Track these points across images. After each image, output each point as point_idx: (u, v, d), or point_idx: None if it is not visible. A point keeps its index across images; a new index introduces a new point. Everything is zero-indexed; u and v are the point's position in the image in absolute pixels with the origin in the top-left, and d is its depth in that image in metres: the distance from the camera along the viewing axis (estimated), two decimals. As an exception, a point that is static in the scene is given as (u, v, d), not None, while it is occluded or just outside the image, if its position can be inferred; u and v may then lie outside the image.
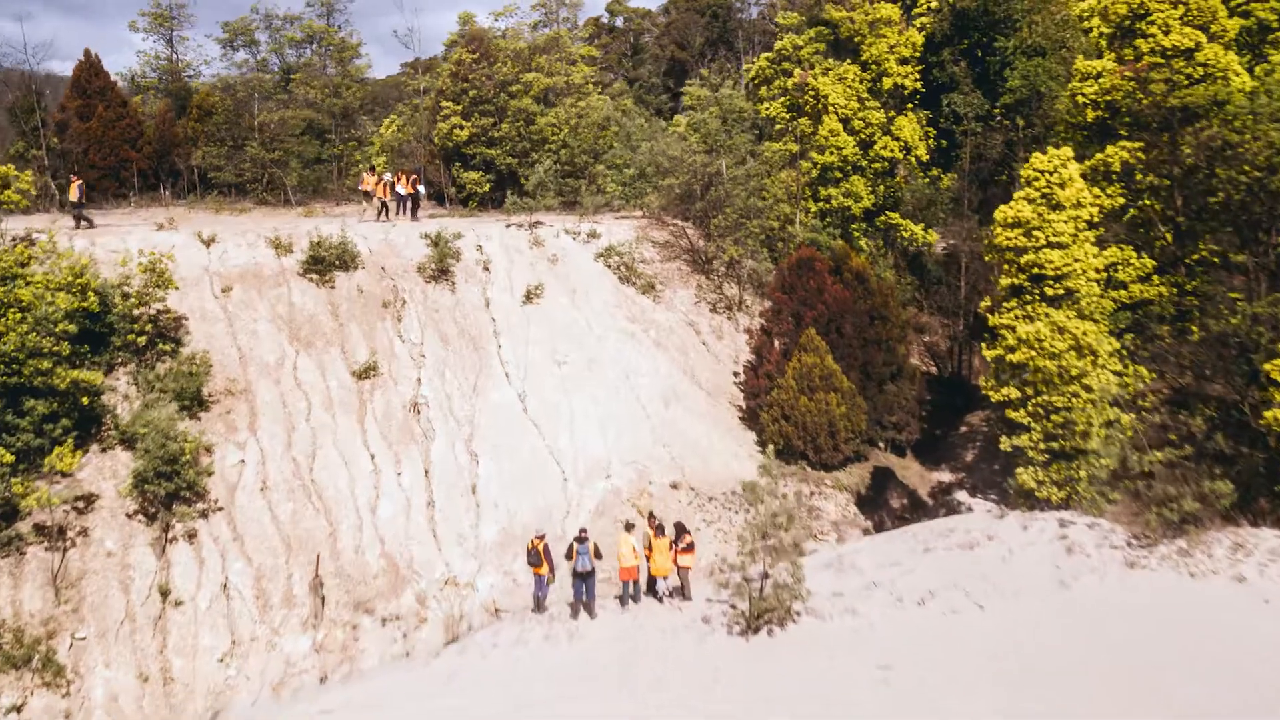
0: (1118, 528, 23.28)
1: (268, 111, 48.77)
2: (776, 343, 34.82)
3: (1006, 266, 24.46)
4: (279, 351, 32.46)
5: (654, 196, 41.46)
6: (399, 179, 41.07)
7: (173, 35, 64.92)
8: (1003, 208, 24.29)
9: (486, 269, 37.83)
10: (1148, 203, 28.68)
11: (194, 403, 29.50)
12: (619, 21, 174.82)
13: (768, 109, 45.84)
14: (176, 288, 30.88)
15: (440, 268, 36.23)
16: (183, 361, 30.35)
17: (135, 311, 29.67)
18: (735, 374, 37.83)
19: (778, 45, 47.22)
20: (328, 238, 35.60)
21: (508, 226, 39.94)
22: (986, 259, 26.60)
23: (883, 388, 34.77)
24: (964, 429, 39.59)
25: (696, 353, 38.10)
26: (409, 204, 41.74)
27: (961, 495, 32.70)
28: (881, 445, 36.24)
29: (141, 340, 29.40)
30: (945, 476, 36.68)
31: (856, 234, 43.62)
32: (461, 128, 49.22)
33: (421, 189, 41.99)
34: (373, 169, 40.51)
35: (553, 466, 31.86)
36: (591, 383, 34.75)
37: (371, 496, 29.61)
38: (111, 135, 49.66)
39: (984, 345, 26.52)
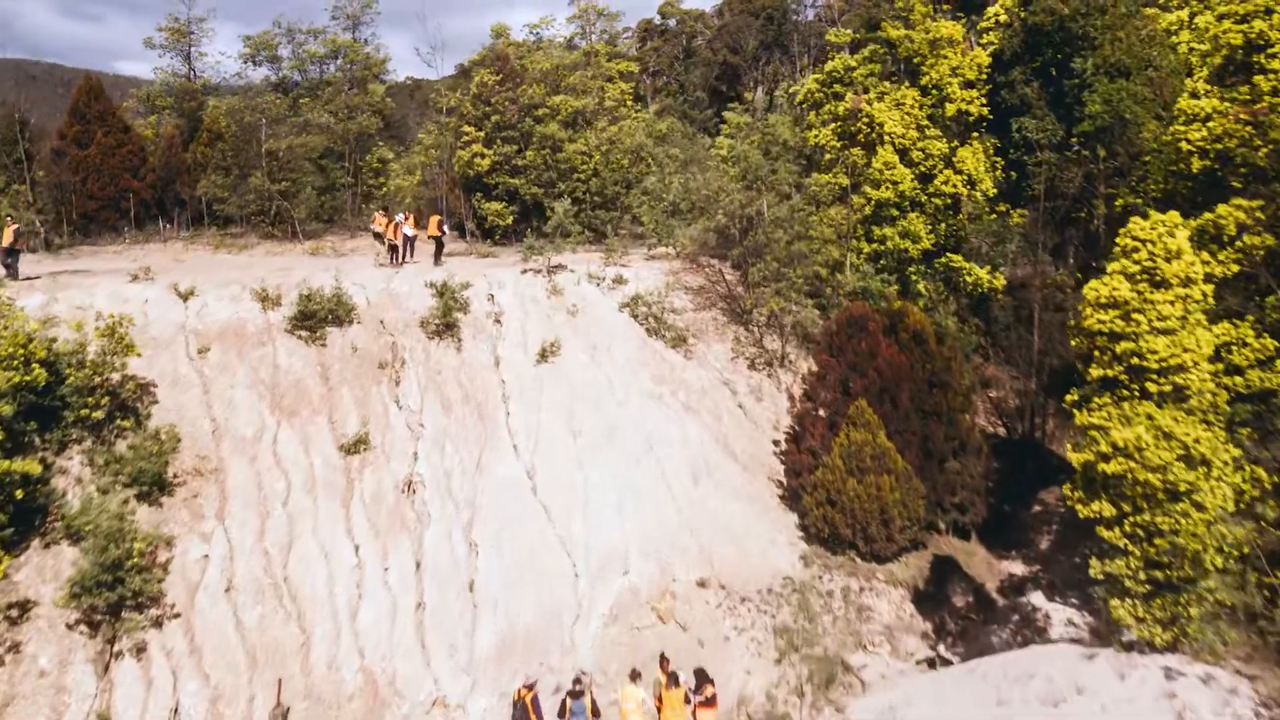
0: (1240, 684, 19.03)
1: (274, 139, 45.74)
2: (821, 411, 30.90)
3: (1098, 354, 20.37)
4: (258, 423, 29.24)
5: (688, 233, 37.69)
6: (407, 219, 37.77)
7: (190, 50, 62.44)
8: (1094, 284, 20.26)
9: (498, 321, 34.39)
10: (1269, 271, 24.37)
11: (154, 487, 26.41)
12: (671, 23, 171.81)
13: (816, 136, 41.90)
14: (139, 354, 27.80)
15: (445, 322, 32.87)
16: (147, 437, 27.23)
17: (93, 382, 26.46)
18: (776, 442, 33.96)
19: (828, 66, 43.27)
20: (319, 289, 32.45)
21: (523, 272, 36.51)
22: (1073, 344, 22.50)
23: (944, 466, 30.73)
24: (1037, 508, 35.30)
25: (732, 417, 34.29)
26: (417, 246, 38.42)
27: (1037, 598, 28.59)
28: (942, 527, 32.15)
29: (98, 415, 26.30)
30: (1017, 568, 32.50)
31: (914, 277, 39.55)
32: (483, 156, 45.88)
33: (446, 229, 38.64)
34: (385, 209, 37.23)
35: (562, 559, 28.25)
36: (610, 455, 31.12)
37: (352, 597, 26.23)
38: (111, 163, 47.10)
39: (1067, 406, 22.44)
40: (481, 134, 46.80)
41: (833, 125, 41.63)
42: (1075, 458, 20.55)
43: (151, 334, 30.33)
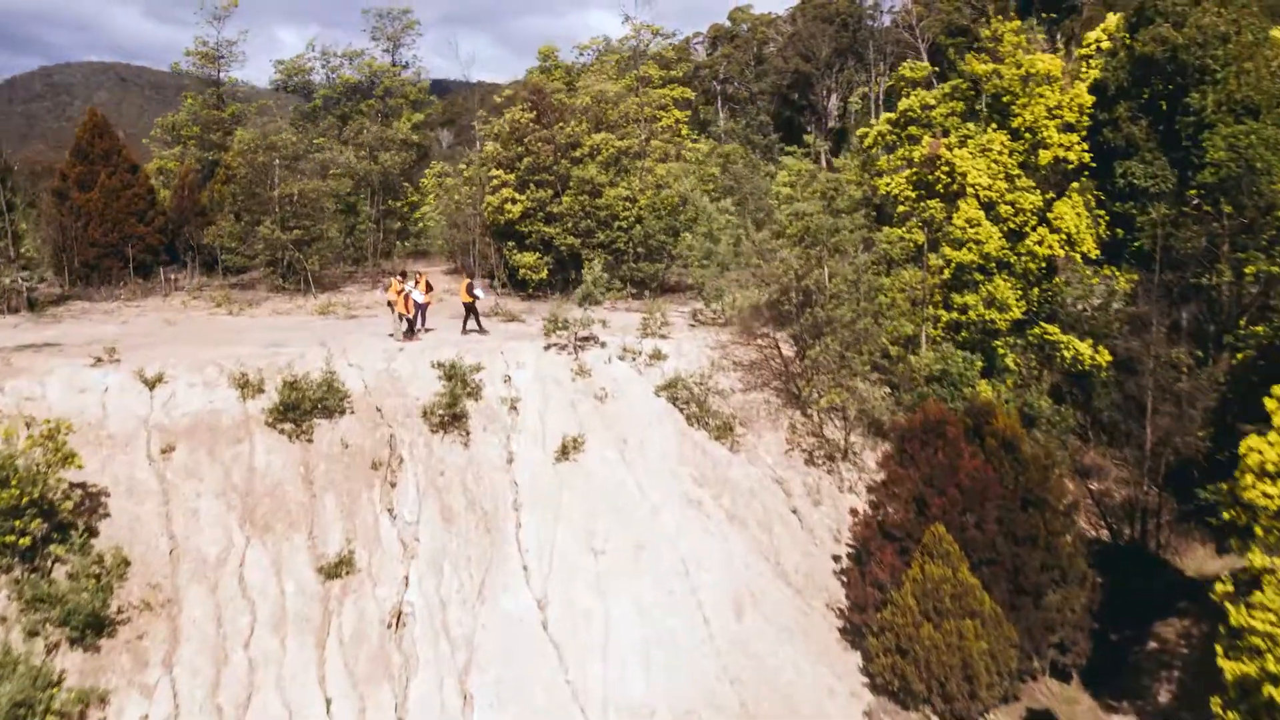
0: None
1: (288, 182, 42.17)
2: (890, 533, 26.10)
3: (1260, 532, 15.34)
4: (224, 540, 25.42)
5: (738, 300, 33.16)
6: (419, 282, 33.78)
7: (219, 75, 59.41)
8: (1255, 442, 15.39)
9: (514, 409, 30.21)
10: None
11: (91, 629, 22.52)
12: (743, 29, 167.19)
13: (887, 185, 37.03)
14: (80, 466, 24.06)
15: (452, 412, 28.78)
16: (90, 563, 23.47)
17: (22, 501, 22.72)
18: (836, 557, 29.28)
19: (902, 105, 38.36)
20: (306, 375, 28.51)
21: (547, 348, 32.22)
22: (1226, 516, 17.46)
23: (1040, 601, 25.73)
24: (1152, 644, 29.98)
25: (784, 526, 29.65)
26: (438, 312, 34.45)
27: (1157, 780, 23.44)
28: (1037, 668, 27.08)
29: (24, 542, 22.49)
30: (1128, 727, 27.32)
31: (1001, 351, 34.52)
32: (514, 201, 41.77)
33: (480, 293, 34.62)
34: (403, 274, 33.37)
35: (576, 717, 23.77)
36: (638, 581, 26.74)
37: (318, 770, 22.08)
38: (115, 207, 44.03)
39: (1217, 596, 17.47)
40: (513, 177, 42.71)
41: (907, 172, 36.75)
42: (1229, 667, 15.55)
43: (109, 430, 26.72)
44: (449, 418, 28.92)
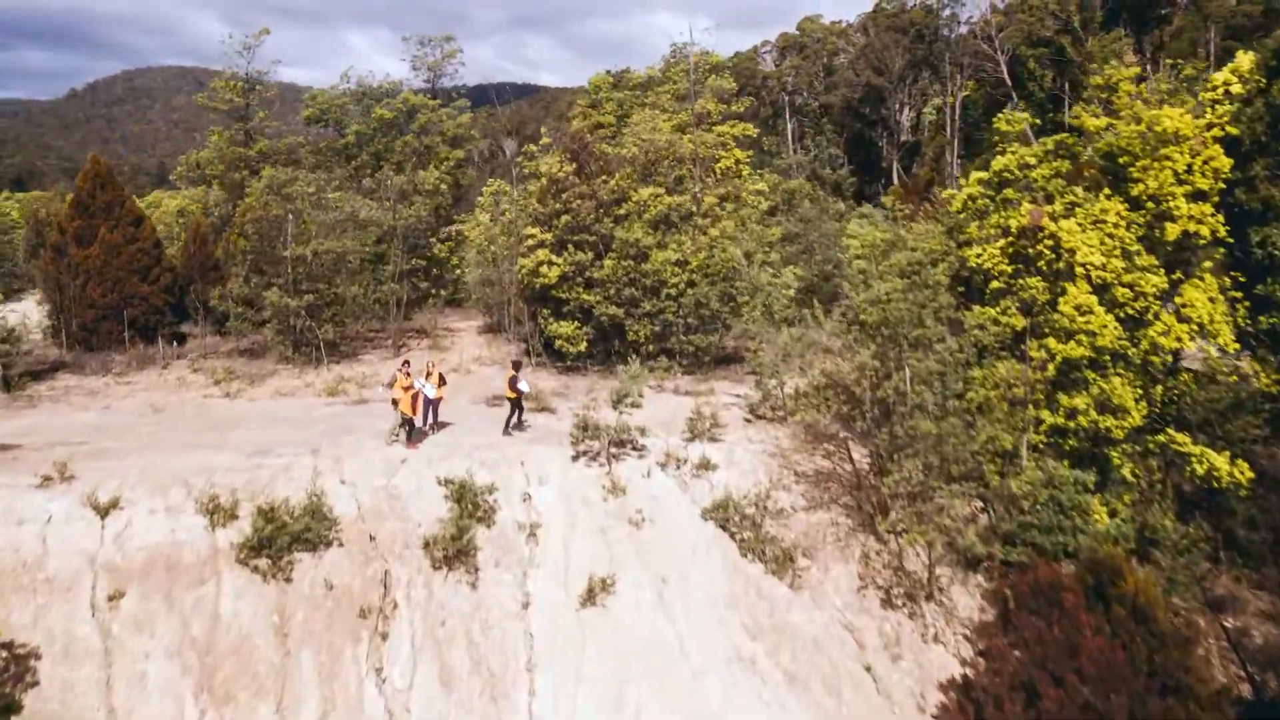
0: None
1: (301, 241, 38.32)
2: (990, 722, 21.11)
3: None
4: (174, 714, 21.20)
5: (803, 406, 28.38)
6: (430, 374, 29.49)
7: (249, 107, 56.04)
8: None
9: (533, 536, 25.85)
10: None
11: (-6, 846, 18.42)
12: (813, 39, 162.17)
13: (979, 257, 31.90)
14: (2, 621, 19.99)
15: (459, 547, 24.34)
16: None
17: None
18: (919, 730, 24.18)
19: (997, 164, 33.23)
20: (286, 501, 24.42)
21: (575, 457, 27.84)
22: None
23: (1180, 817, 20.45)
24: None
25: (856, 689, 24.79)
26: (460, 391, 30.24)
27: None
28: None
29: (-82, 735, 18.51)
30: None
31: (1117, 461, 29.23)
32: (551, 264, 37.42)
33: (524, 386, 30.19)
34: (406, 365, 29.09)
35: None
36: (675, 769, 21.99)
37: None
38: (116, 264, 40.72)
39: None
40: (550, 236, 38.35)
41: (1002, 242, 31.60)
42: None
43: (48, 572, 22.89)
44: (456, 552, 24.52)
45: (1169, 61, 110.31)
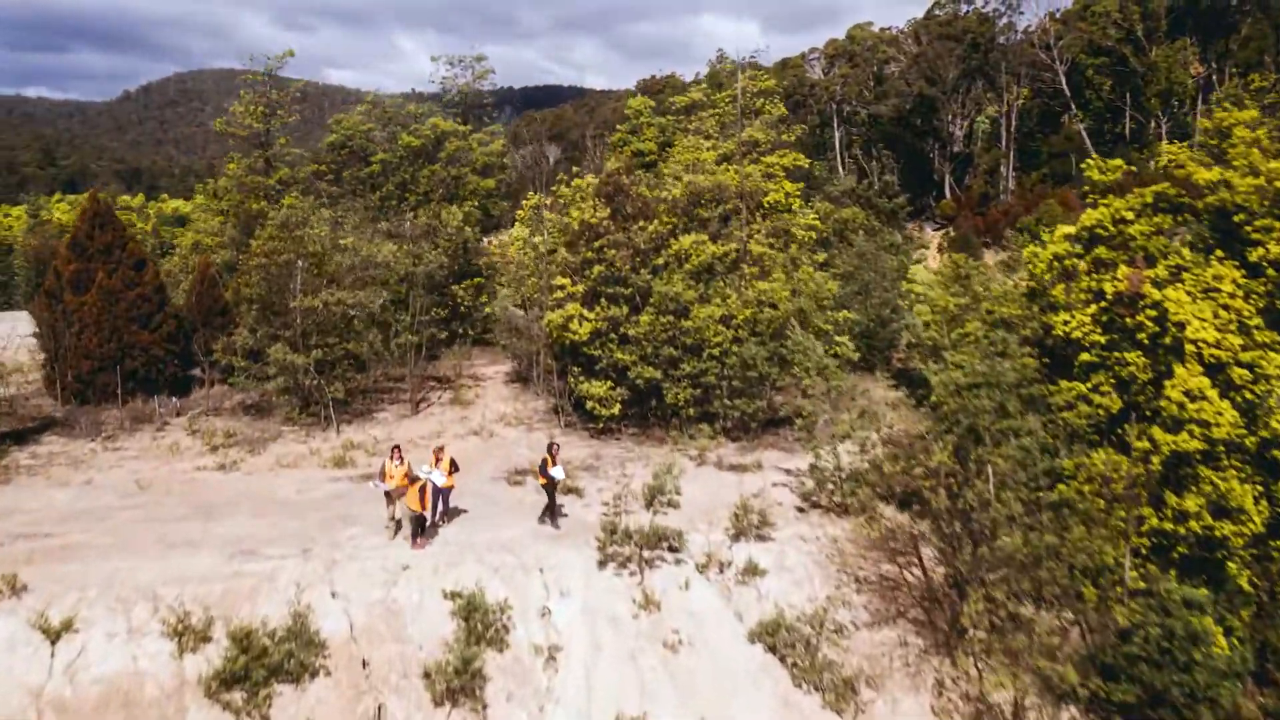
0: None
1: (308, 296, 35.19)
2: None
3: None
4: None
5: (864, 497, 24.75)
6: (438, 459, 26.09)
7: (269, 133, 53.17)
8: None
9: (551, 660, 22.49)
10: None
11: None
12: (863, 47, 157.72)
13: (1067, 325, 28.00)
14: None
15: (465, 680, 20.89)
16: None
17: None
18: None
19: (1088, 218, 29.25)
20: (265, 623, 21.10)
21: (602, 563, 24.26)
22: None
23: None
24: None
25: None
26: (478, 464, 26.95)
27: None
28: None
29: None
30: None
31: (1233, 570, 25.21)
32: (582, 319, 34.00)
33: (558, 473, 26.69)
34: (397, 451, 25.71)
35: None
36: None
37: None
38: (115, 311, 37.92)
39: None
40: (580, 288, 34.92)
41: (1094, 308, 27.71)
42: None
43: (-17, 713, 19.56)
44: (459, 687, 21.08)
45: (1235, 70, 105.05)
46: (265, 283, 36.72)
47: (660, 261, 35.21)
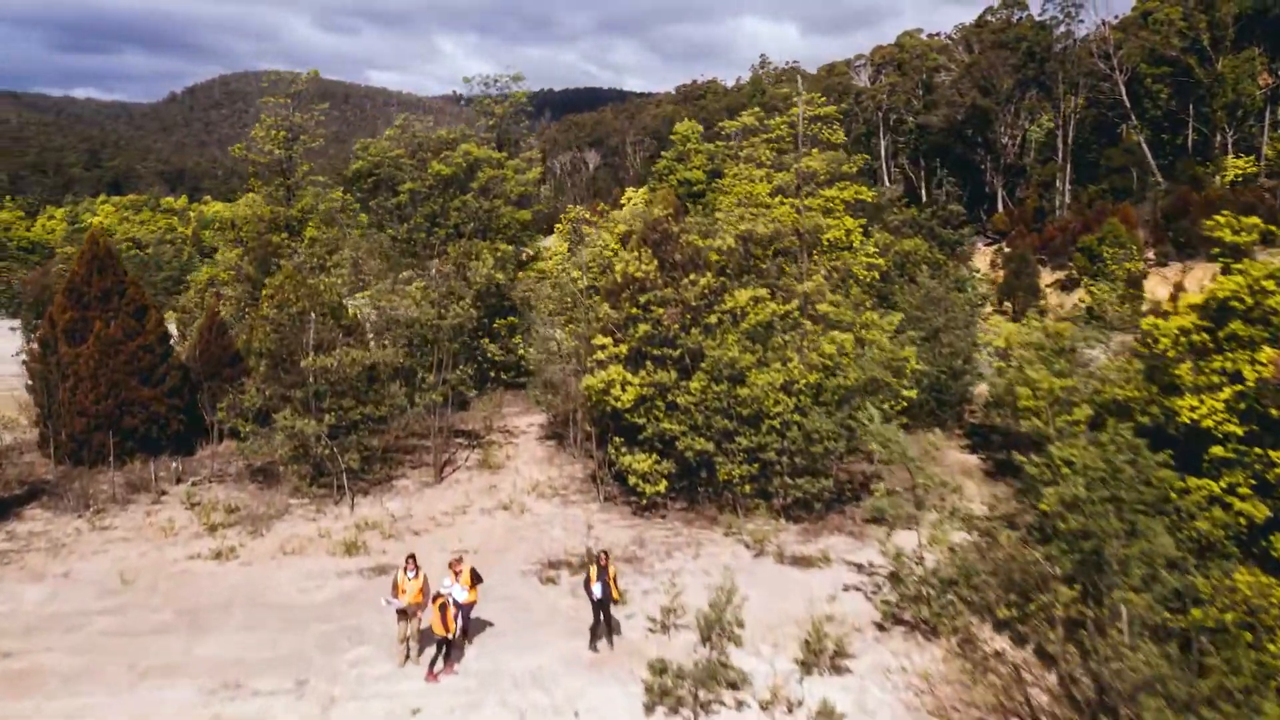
0: None
1: (321, 356, 31.64)
2: None
3: None
4: None
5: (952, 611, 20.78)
6: (457, 569, 22.37)
7: (291, 160, 49.78)
8: None
9: (589, 837, 18.33)
10: None
11: None
12: (912, 55, 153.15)
13: (1194, 410, 23.74)
14: None
15: None
16: None
17: None
18: None
19: (1221, 287, 24.79)
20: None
21: (650, 707, 20.49)
22: None
23: None
24: None
25: None
26: (504, 556, 23.23)
27: None
28: None
29: None
30: None
31: None
32: (625, 384, 30.22)
33: (597, 591, 22.87)
34: (411, 560, 21.97)
35: None
36: None
37: None
38: (113, 365, 34.69)
39: None
40: (623, 349, 31.11)
41: (1228, 393, 23.49)
42: None
43: None
44: None
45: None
46: (276, 335, 33.24)
47: (713, 320, 31.29)
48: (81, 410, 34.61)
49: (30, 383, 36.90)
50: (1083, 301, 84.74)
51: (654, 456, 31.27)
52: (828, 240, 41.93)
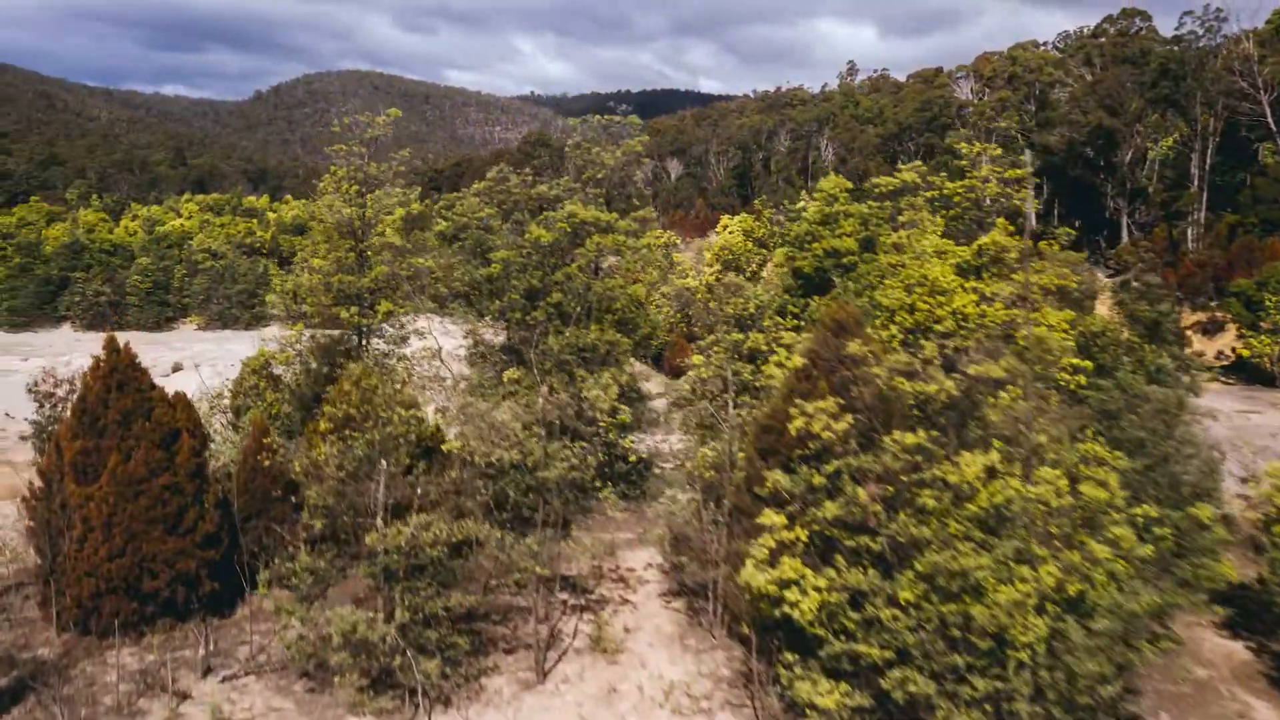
0: None
1: (396, 519, 23.34)
2: None
3: None
4: None
5: None
6: None
7: (365, 220, 41.56)
8: None
9: None
10: None
11: None
12: (1026, 69, 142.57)
13: None
14: None
15: None
16: None
17: None
18: None
19: None
20: None
21: None
22: None
23: None
24: None
25: None
26: None
27: None
28: None
29: None
30: None
31: None
32: (801, 585, 21.43)
33: None
34: None
35: None
36: None
37: None
38: (132, 510, 26.85)
39: None
40: (801, 533, 22.23)
41: None
42: None
43: None
44: None
45: None
46: (336, 488, 24.97)
47: (929, 500, 22.19)
48: (91, 570, 26.74)
49: (30, 524, 29.15)
50: (1237, 352, 73.94)
51: (843, 686, 22.35)
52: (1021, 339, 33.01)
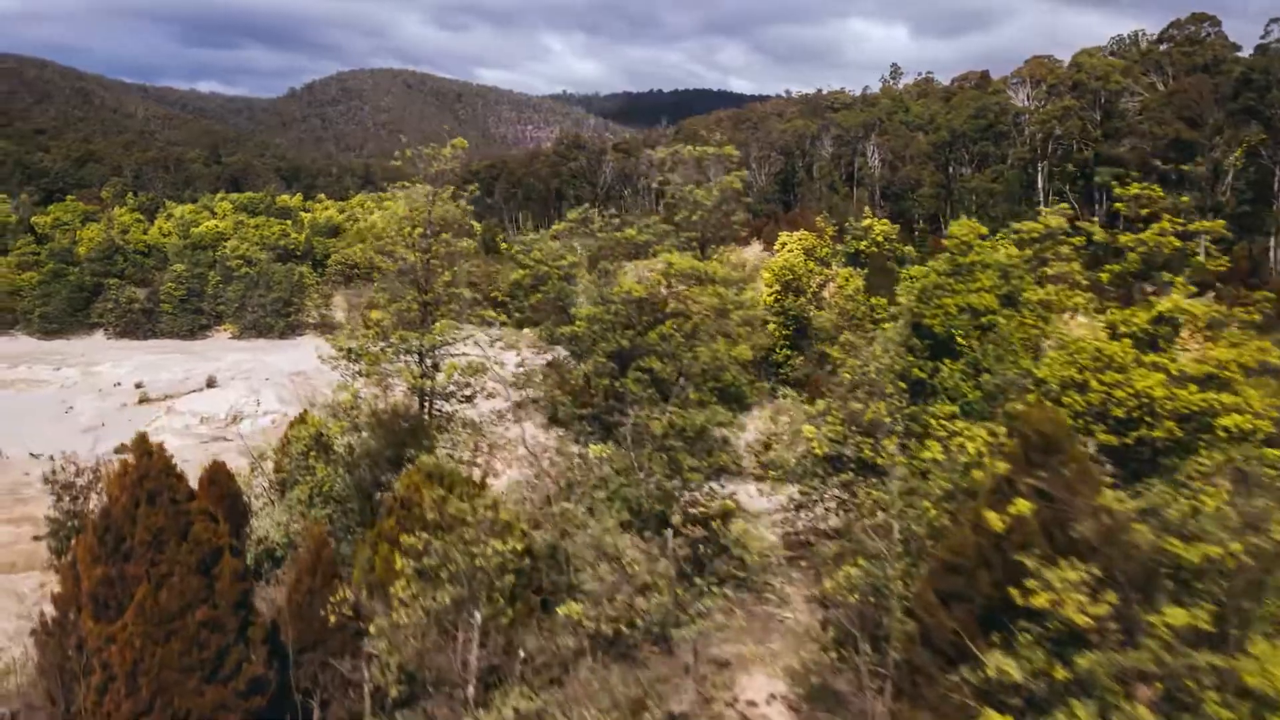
0: None
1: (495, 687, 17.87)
2: None
3: None
4: None
5: None
6: None
7: (430, 265, 35.92)
8: None
9: None
10: None
11: None
12: (1091, 77, 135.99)
13: None
14: None
15: None
16: None
17: None
18: None
19: None
20: None
21: None
22: None
23: None
24: None
25: None
26: None
27: None
28: None
29: None
30: None
31: None
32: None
33: None
34: None
35: None
36: None
37: None
38: (161, 655, 21.71)
39: None
40: None
41: None
42: None
43: None
44: None
45: None
46: (418, 649, 19.51)
47: (1216, 709, 16.38)
48: (108, 729, 21.50)
49: (40, 662, 23.84)
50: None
51: None
52: (1223, 428, 27.50)
